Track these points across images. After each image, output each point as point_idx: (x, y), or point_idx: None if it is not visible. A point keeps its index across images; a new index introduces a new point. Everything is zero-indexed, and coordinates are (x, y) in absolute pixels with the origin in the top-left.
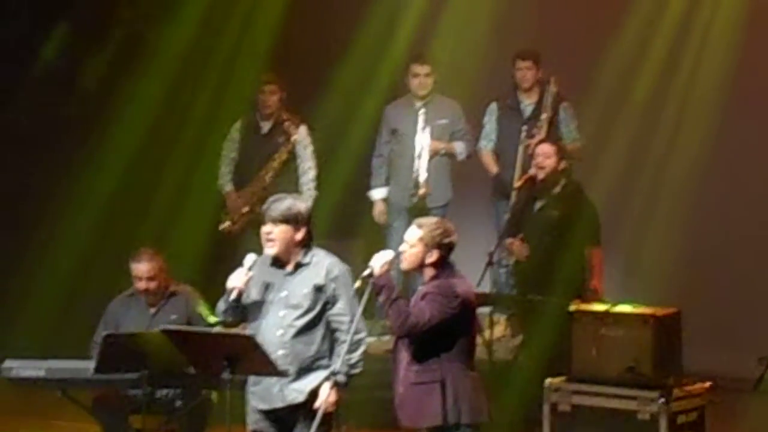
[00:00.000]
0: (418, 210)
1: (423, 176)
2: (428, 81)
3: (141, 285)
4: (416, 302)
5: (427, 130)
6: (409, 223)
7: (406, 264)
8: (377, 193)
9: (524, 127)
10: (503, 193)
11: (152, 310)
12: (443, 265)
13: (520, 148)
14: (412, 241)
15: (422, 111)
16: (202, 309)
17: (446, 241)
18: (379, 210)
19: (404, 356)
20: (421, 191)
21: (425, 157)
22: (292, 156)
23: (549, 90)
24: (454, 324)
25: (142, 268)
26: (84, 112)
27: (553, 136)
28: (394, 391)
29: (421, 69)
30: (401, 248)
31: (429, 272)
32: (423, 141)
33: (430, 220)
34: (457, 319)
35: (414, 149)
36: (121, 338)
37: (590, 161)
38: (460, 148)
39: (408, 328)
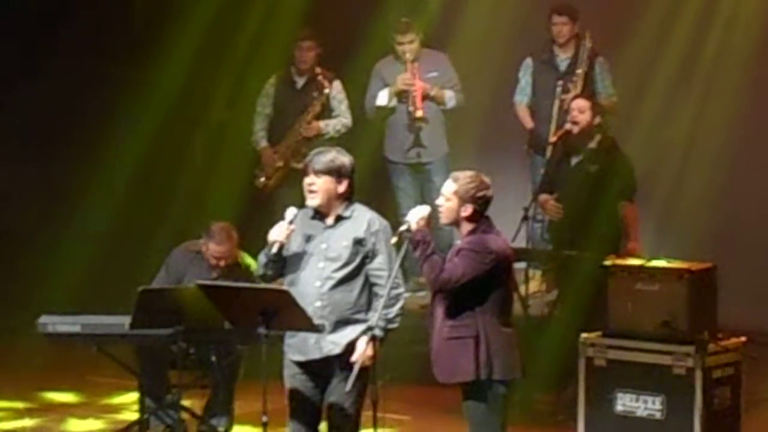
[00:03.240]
0: (416, 167)
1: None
2: (413, 47)
3: (221, 263)
4: (450, 258)
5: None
6: (413, 181)
7: (443, 218)
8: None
9: (559, 82)
10: (539, 148)
11: (214, 274)
12: (479, 220)
13: (556, 103)
14: (448, 195)
15: (414, 69)
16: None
17: (480, 194)
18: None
19: (440, 311)
20: (418, 113)
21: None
22: (327, 110)
23: (584, 45)
24: (488, 280)
25: (220, 249)
26: (118, 69)
27: (588, 91)
28: (430, 345)
29: (404, 38)
30: (438, 202)
31: (466, 227)
32: (408, 79)
33: (465, 174)
34: (490, 275)
35: (408, 109)
36: (157, 293)
37: (625, 116)
38: (449, 94)
39: (440, 284)
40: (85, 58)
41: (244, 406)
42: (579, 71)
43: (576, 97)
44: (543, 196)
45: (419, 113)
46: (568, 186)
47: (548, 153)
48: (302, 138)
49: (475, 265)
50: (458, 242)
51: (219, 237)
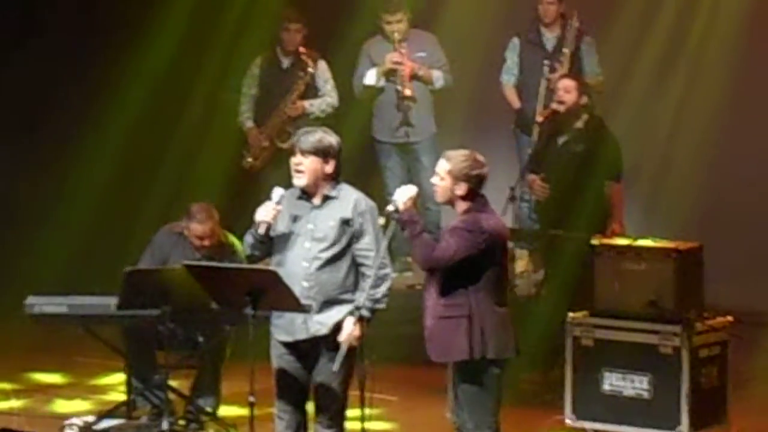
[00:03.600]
0: (404, 146)
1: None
2: (401, 26)
3: (204, 243)
4: (443, 236)
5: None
6: (400, 161)
7: (437, 197)
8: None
9: (546, 62)
10: (525, 127)
11: (198, 255)
12: (474, 199)
13: (542, 83)
14: (441, 174)
15: (402, 48)
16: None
17: (474, 173)
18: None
19: (433, 290)
20: (407, 92)
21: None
22: (312, 90)
23: (571, 24)
24: (482, 259)
25: (201, 228)
26: (101, 49)
27: (574, 70)
28: (424, 324)
29: (392, 17)
30: (432, 180)
31: (461, 206)
32: (396, 57)
33: (458, 153)
34: (483, 254)
35: (396, 88)
36: (143, 274)
37: (612, 96)
38: (437, 74)
39: (433, 263)
40: (72, 35)
41: (232, 387)
42: (566, 51)
43: (562, 76)
44: (530, 176)
45: (408, 92)
46: (554, 166)
47: (535, 132)
48: (287, 117)
49: (467, 244)
50: (452, 222)
51: (200, 216)
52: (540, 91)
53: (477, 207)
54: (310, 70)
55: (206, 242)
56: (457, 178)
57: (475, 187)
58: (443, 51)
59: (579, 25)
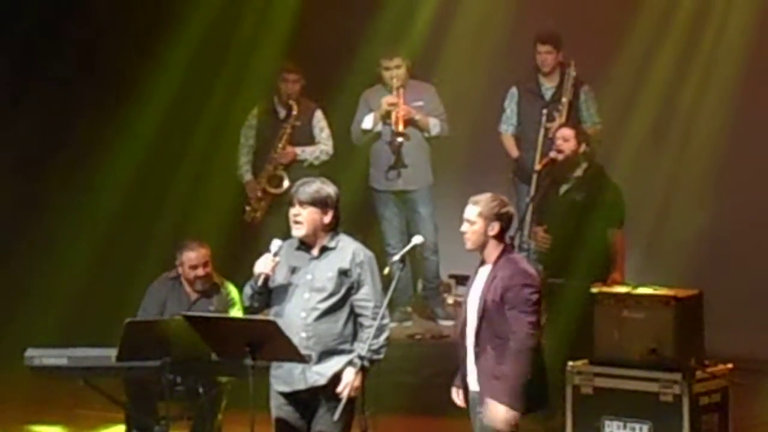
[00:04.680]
0: (400, 195)
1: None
2: (400, 72)
3: (198, 272)
4: (492, 290)
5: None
6: (398, 211)
7: (470, 243)
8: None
9: (544, 111)
10: (524, 177)
11: (193, 297)
12: (504, 239)
13: (540, 131)
14: (472, 218)
15: (399, 92)
16: (236, 314)
17: (504, 211)
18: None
19: (481, 339)
20: (400, 128)
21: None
22: (307, 137)
23: (569, 73)
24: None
25: (196, 255)
26: (101, 101)
27: (572, 119)
28: (463, 384)
29: (391, 63)
30: (462, 229)
31: (494, 249)
32: (392, 99)
33: (484, 196)
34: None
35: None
36: (143, 325)
37: (611, 144)
38: (434, 121)
39: (534, 336)
40: (73, 86)
41: None
42: (564, 100)
43: (561, 125)
44: (534, 228)
45: (401, 128)
46: (555, 215)
47: (533, 181)
48: (279, 164)
49: (536, 299)
50: (484, 268)
51: (192, 245)
52: (538, 140)
53: (508, 248)
54: (294, 113)
55: (200, 272)
56: (489, 218)
57: (506, 227)
58: (441, 101)
59: (577, 74)
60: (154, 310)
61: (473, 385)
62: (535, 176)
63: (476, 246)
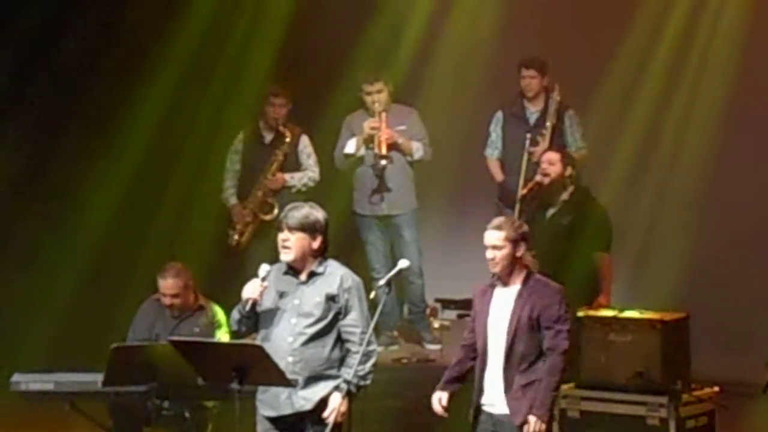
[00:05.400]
0: (384, 219)
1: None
2: (381, 96)
3: (165, 300)
4: (527, 309)
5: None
6: (382, 236)
7: (498, 268)
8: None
9: (528, 135)
10: (509, 201)
11: (175, 321)
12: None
13: (525, 156)
14: (499, 243)
15: (382, 116)
16: (222, 335)
17: (525, 230)
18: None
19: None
20: (383, 150)
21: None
22: (294, 163)
23: (553, 98)
24: None
25: (165, 284)
26: (88, 121)
27: (556, 143)
28: (484, 400)
29: (372, 87)
30: (488, 256)
31: (521, 270)
32: (374, 122)
33: (501, 219)
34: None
35: (375, 155)
36: (129, 350)
37: (596, 167)
38: (416, 145)
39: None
40: (60, 108)
41: None
42: (548, 124)
43: (547, 150)
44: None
45: (383, 150)
46: (542, 239)
47: (517, 206)
48: (268, 190)
49: (566, 308)
50: (505, 289)
51: (166, 273)
52: (522, 165)
53: (529, 269)
54: (287, 140)
55: (167, 301)
56: (515, 241)
57: (528, 245)
58: (424, 125)
59: (561, 99)
60: (144, 332)
61: (499, 408)
62: (518, 203)
63: (504, 270)
